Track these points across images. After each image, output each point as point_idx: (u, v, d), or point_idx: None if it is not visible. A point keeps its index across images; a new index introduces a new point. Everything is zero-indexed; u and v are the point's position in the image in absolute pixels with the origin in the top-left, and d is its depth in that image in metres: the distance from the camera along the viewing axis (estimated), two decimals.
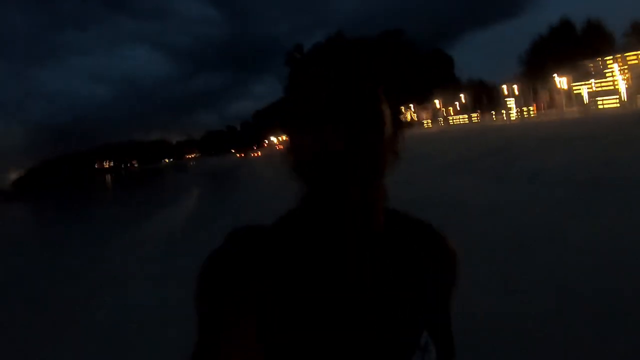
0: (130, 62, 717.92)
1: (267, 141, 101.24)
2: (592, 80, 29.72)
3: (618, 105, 26.05)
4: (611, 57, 28.42)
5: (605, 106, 26.34)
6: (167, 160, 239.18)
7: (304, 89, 0.55)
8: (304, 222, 0.60)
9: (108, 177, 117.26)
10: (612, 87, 27.63)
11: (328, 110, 0.53)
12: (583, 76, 30.92)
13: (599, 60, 29.57)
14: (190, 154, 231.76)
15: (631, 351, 2.48)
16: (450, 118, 53.03)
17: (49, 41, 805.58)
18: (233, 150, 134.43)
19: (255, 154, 58.68)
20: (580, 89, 29.79)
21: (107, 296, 5.43)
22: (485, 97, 44.95)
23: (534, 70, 47.62)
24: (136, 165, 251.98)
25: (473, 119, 46.64)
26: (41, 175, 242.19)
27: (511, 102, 34.50)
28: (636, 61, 27.19)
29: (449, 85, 64.26)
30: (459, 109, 55.69)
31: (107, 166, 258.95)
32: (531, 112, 31.72)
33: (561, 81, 33.47)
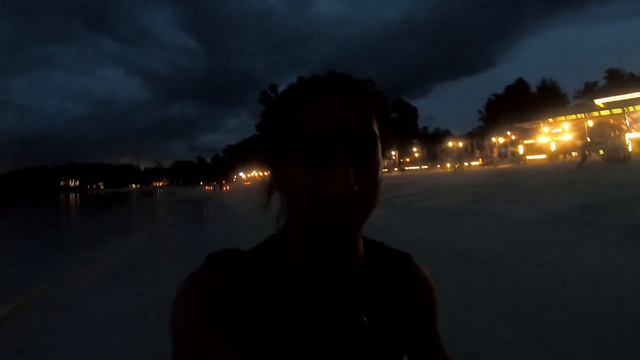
0: (106, 83, 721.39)
1: (235, 176, 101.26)
2: (533, 139, 31.83)
3: (545, 160, 28.20)
4: (540, 120, 30.71)
5: (536, 161, 28.41)
6: (134, 186, 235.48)
7: (308, 125, 0.53)
8: (283, 249, 0.61)
9: (73, 196, 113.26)
10: (543, 146, 30.04)
11: (336, 149, 0.52)
12: (521, 135, 33.43)
13: (534, 122, 31.80)
14: (159, 181, 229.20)
15: None
16: (406, 167, 54.26)
17: (28, 52, 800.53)
18: (202, 182, 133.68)
19: (225, 188, 58.44)
20: (517, 146, 32.03)
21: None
22: (439, 149, 46.71)
23: (490, 124, 50.09)
24: (102, 188, 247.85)
25: (424, 168, 47.39)
26: (5, 186, 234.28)
27: (454, 155, 36.35)
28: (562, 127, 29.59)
29: (408, 135, 66.55)
30: (417, 157, 57.40)
31: (73, 185, 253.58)
32: (467, 165, 33.09)
33: (498, 139, 35.99)
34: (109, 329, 4.20)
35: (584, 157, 17.94)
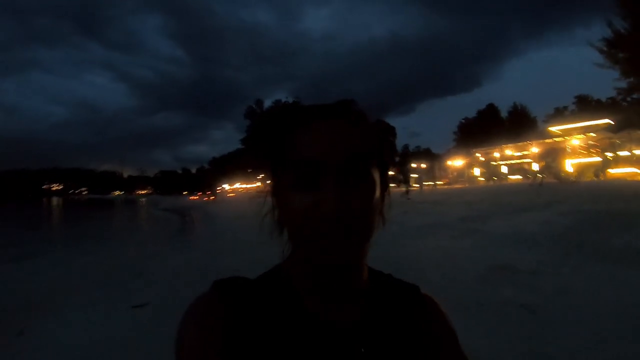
0: (93, 88, 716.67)
1: (219, 188, 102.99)
2: (488, 162, 35.48)
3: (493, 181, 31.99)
4: (493, 147, 34.46)
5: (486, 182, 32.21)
6: (117, 193, 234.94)
7: (299, 148, 0.55)
8: (288, 277, 0.61)
9: (56, 200, 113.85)
10: (495, 169, 33.92)
11: (325, 171, 0.52)
12: (478, 158, 37.31)
13: (489, 148, 35.58)
14: (142, 189, 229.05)
15: None
16: None
17: (16, 53, 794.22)
18: (185, 192, 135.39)
19: (209, 198, 61.01)
20: (473, 169, 35.89)
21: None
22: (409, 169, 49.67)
23: (459, 146, 53.43)
24: (85, 193, 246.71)
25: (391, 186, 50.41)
26: None
27: (416, 176, 39.02)
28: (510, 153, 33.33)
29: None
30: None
31: (56, 189, 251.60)
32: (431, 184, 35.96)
33: (454, 162, 39.89)
34: None
35: (538, 178, 21.67)
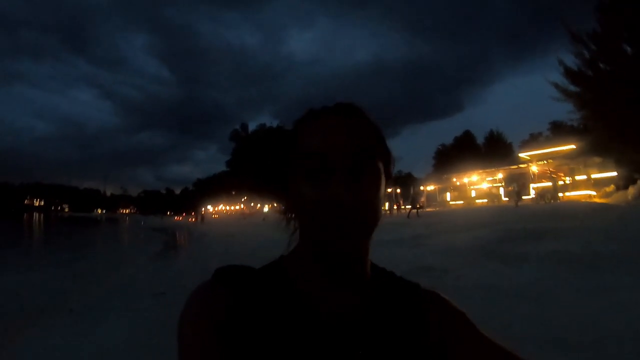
0: (78, 104, 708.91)
1: (204, 209, 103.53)
2: (459, 187, 37.97)
3: (462, 205, 34.45)
4: (464, 172, 37.09)
5: (457, 206, 34.74)
6: (99, 211, 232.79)
7: (310, 141, 0.58)
8: (290, 269, 0.63)
9: (38, 216, 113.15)
10: (465, 193, 36.46)
11: (335, 163, 0.55)
12: (449, 184, 39.86)
13: (458, 174, 38.19)
14: (125, 208, 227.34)
15: None
16: None
17: (1, 65, 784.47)
18: (169, 213, 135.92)
19: (193, 219, 62.26)
20: (445, 193, 38.52)
21: None
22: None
23: (436, 171, 55.69)
24: (67, 210, 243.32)
25: None
26: None
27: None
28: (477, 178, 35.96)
29: None
30: None
31: (37, 205, 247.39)
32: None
33: (426, 187, 42.50)
34: None
35: (517, 199, 23.95)
